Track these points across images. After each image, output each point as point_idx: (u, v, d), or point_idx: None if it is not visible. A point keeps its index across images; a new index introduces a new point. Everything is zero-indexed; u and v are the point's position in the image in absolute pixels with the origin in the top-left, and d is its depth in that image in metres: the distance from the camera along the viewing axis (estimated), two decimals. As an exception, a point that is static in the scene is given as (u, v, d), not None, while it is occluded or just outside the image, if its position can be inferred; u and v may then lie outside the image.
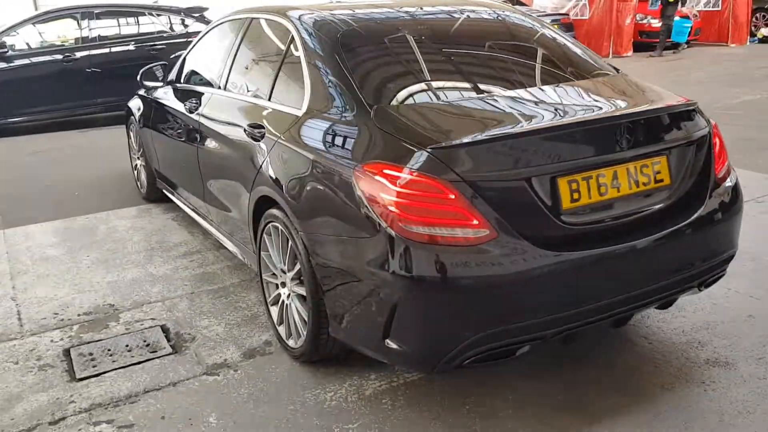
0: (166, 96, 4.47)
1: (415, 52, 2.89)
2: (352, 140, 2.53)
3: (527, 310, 2.25)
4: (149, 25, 9.32)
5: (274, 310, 3.10)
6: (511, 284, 2.21)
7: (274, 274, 3.06)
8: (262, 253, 3.09)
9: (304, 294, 2.75)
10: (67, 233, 4.82)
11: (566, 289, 2.29)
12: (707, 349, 2.88)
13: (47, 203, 5.61)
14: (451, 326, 2.23)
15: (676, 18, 14.84)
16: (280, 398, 2.70)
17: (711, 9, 16.54)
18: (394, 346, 2.33)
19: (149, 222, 4.98)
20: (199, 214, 4.20)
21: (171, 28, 9.45)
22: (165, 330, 3.32)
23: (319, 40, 2.93)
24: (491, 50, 3.06)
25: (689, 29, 15.23)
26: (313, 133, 2.72)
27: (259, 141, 3.01)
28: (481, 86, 2.78)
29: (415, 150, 2.26)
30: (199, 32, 9.36)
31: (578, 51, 3.18)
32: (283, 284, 2.98)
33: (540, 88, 2.76)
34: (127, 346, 3.18)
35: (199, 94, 3.91)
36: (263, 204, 3.02)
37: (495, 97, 2.68)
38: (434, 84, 2.77)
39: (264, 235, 3.02)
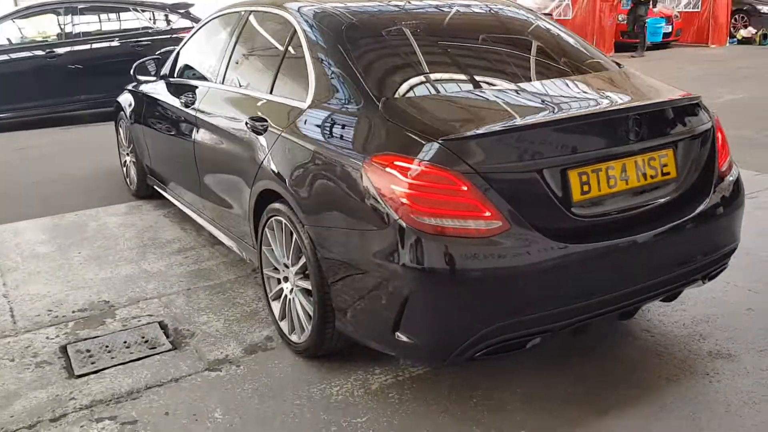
0: (159, 91, 4.41)
1: (421, 44, 2.87)
2: (361, 132, 2.51)
3: (539, 302, 2.25)
4: (133, 21, 9.21)
5: (276, 306, 3.07)
6: (524, 276, 2.21)
7: (275, 268, 3.04)
8: (263, 247, 3.06)
9: (309, 288, 2.73)
10: (57, 230, 4.74)
11: (577, 281, 2.29)
12: (709, 342, 2.90)
13: (34, 200, 5.51)
14: (463, 318, 2.23)
15: (650, 18, 14.91)
16: (285, 393, 2.68)
17: (691, 10, 16.73)
18: (404, 339, 2.31)
19: (140, 219, 4.92)
20: (193, 210, 4.15)
21: (156, 24, 9.33)
22: (163, 326, 3.27)
23: (323, 33, 2.91)
24: (497, 44, 3.06)
25: (662, 29, 15.32)
26: (319, 125, 2.70)
27: (261, 134, 2.98)
28: (488, 79, 2.79)
29: (427, 142, 2.25)
30: (184, 28, 9.39)
31: (582, 46, 3.19)
32: (286, 279, 2.95)
33: (547, 82, 2.76)
34: (125, 342, 3.13)
35: (196, 88, 3.86)
36: (265, 198, 3.00)
37: (502, 90, 2.68)
38: (441, 76, 2.77)
39: (266, 229, 2.99)
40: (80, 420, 2.56)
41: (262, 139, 2.98)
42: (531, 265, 2.20)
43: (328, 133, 2.65)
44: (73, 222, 4.90)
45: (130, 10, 9.19)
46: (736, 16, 16.84)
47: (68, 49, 8.74)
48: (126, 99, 5.15)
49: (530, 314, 2.24)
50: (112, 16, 9.24)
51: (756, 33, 15.72)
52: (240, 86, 3.47)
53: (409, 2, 3.23)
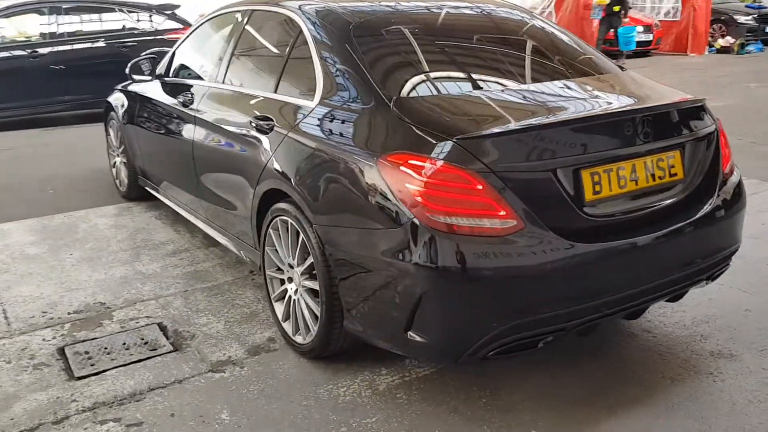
0: (154, 90, 4.37)
1: (429, 44, 2.89)
2: (372, 131, 2.51)
3: (552, 301, 2.26)
4: (119, 21, 9.11)
5: (279, 307, 3.04)
6: (538, 275, 2.21)
7: (279, 269, 3.01)
8: (266, 248, 3.04)
9: (315, 288, 2.72)
10: (46, 231, 4.67)
11: (590, 280, 2.31)
12: (710, 342, 2.93)
13: (21, 202, 5.42)
14: (478, 317, 2.23)
15: (622, 27, 14.94)
16: (291, 394, 2.66)
17: (671, 19, 16.98)
18: (417, 338, 2.31)
19: (131, 220, 4.86)
20: (188, 212, 4.10)
21: (142, 25, 9.24)
22: (162, 328, 3.23)
23: (330, 32, 2.90)
24: (505, 45, 3.08)
25: (635, 38, 15.41)
26: (328, 124, 2.69)
27: (266, 133, 2.96)
28: (498, 79, 2.80)
29: (441, 140, 2.25)
30: (170, 30, 9.32)
31: (587, 49, 3.22)
32: (290, 279, 2.93)
33: (556, 83, 2.78)
34: (124, 344, 3.09)
35: (194, 88, 3.83)
36: (269, 198, 2.98)
37: (513, 90, 2.69)
38: (451, 76, 2.78)
39: (270, 229, 2.97)
40: (84, 422, 2.51)
41: (267, 138, 2.96)
42: (545, 264, 2.21)
43: (338, 131, 2.64)
44: (62, 223, 4.83)
45: (115, 11, 9.10)
46: (714, 26, 17.14)
47: (52, 49, 8.62)
48: (117, 99, 5.09)
49: (544, 313, 2.25)
50: (99, 16, 9.13)
51: (734, 42, 15.99)
52: (242, 85, 3.44)
53: (414, 3, 3.24)
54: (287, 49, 3.14)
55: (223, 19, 3.90)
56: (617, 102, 2.65)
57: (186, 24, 9.58)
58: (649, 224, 2.44)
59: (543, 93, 2.67)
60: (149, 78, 4.36)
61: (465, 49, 3.01)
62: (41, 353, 3.02)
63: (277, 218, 2.90)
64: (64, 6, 8.75)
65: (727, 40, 16.29)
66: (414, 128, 2.37)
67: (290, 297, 2.93)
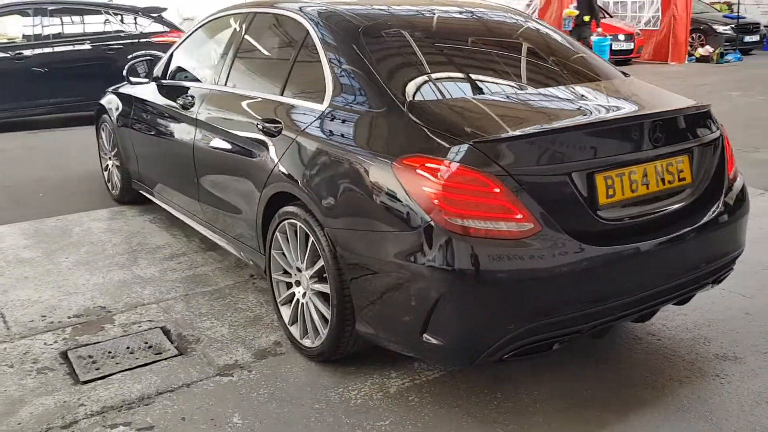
0: (151, 93, 4.33)
1: (439, 48, 2.91)
2: (386, 134, 2.51)
3: (568, 304, 2.28)
4: (106, 24, 9.02)
5: (285, 310, 3.03)
6: (555, 278, 2.23)
7: (285, 272, 3.00)
8: (273, 251, 3.02)
9: (325, 291, 2.71)
10: (39, 235, 4.60)
11: (604, 283, 2.33)
12: (714, 345, 2.97)
13: (11, 205, 5.35)
14: (495, 320, 2.24)
15: (595, 37, 15.01)
16: (302, 398, 2.65)
17: (651, 28, 17.22)
18: (432, 340, 2.31)
19: (125, 224, 4.81)
20: (187, 215, 4.07)
21: (128, 28, 9.17)
22: (166, 332, 3.20)
23: (338, 35, 2.91)
24: (514, 50, 3.11)
25: (608, 48, 15.52)
26: (339, 127, 2.69)
27: (274, 136, 2.95)
28: (509, 83, 2.82)
29: (458, 144, 2.26)
30: (157, 33, 9.26)
31: (591, 55, 3.26)
32: (298, 283, 2.92)
33: (565, 88, 2.81)
34: (128, 348, 3.06)
35: (193, 90, 3.81)
36: (276, 201, 2.97)
37: (524, 94, 2.72)
38: (463, 80, 2.80)
39: (277, 233, 2.96)
40: (93, 426, 2.48)
41: (275, 141, 2.95)
42: (561, 266, 2.23)
43: (350, 134, 2.64)
44: (55, 227, 4.76)
45: (101, 13, 9.02)
46: (693, 35, 17.42)
47: (38, 51, 8.52)
48: (111, 101, 5.03)
49: (560, 315, 2.27)
50: (85, 18, 9.03)
51: (713, 51, 16.25)
52: (246, 88, 3.43)
53: (420, 7, 3.26)
54: (293, 52, 3.14)
55: (224, 21, 3.89)
56: (627, 107, 2.68)
57: (173, 27, 9.54)
58: (660, 228, 2.48)
59: (554, 97, 2.70)
60: (146, 80, 4.32)
61: (475, 53, 3.03)
62: (44, 357, 2.98)
63: (285, 221, 2.89)
64: (50, 8, 8.65)
65: (707, 50, 16.56)
66: (429, 131, 2.38)
67: (298, 300, 2.92)
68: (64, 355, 3.00)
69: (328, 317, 2.71)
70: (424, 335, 2.32)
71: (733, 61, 16.28)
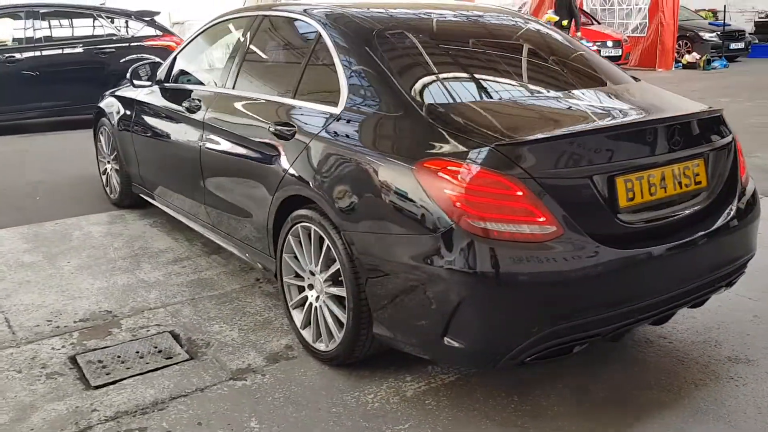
0: (154, 96, 4.30)
1: (454, 51, 2.91)
2: (405, 137, 2.51)
3: (589, 307, 2.28)
4: (98, 28, 8.95)
5: (297, 314, 3.01)
6: (577, 280, 2.23)
7: (297, 276, 2.98)
8: (284, 255, 3.00)
9: (340, 295, 2.70)
10: (39, 239, 4.55)
11: (625, 285, 2.34)
12: (725, 348, 2.99)
13: (7, 209, 5.28)
14: (518, 323, 2.24)
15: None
16: (318, 402, 2.63)
17: (638, 35, 17.38)
18: (453, 344, 2.30)
19: (125, 228, 4.76)
20: (191, 219, 4.03)
21: (121, 32, 9.10)
22: (175, 336, 3.17)
23: (352, 38, 2.90)
24: (526, 54, 3.11)
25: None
26: (355, 130, 2.68)
27: (287, 139, 2.94)
28: (524, 87, 2.83)
29: (480, 146, 2.26)
30: (149, 36, 9.19)
31: (602, 60, 3.28)
32: (311, 286, 2.90)
33: (581, 92, 2.82)
34: (137, 352, 3.02)
35: (200, 94, 3.78)
36: (288, 205, 2.95)
37: (542, 98, 2.73)
38: (479, 83, 2.79)
39: (289, 236, 2.94)
40: (108, 432, 2.45)
41: (288, 144, 2.94)
42: (584, 269, 2.23)
43: (366, 138, 2.63)
44: (54, 231, 4.71)
45: (94, 17, 8.94)
46: (680, 42, 17.61)
47: (29, 54, 8.44)
48: (111, 105, 4.99)
49: (582, 318, 2.27)
50: (77, 22, 8.96)
51: (700, 58, 16.45)
52: (256, 92, 3.40)
53: (432, 10, 3.26)
54: (305, 56, 3.13)
55: (230, 25, 3.87)
56: (643, 111, 2.69)
57: (165, 31, 9.50)
58: (678, 231, 2.49)
59: (570, 101, 2.71)
60: (149, 83, 4.29)
61: (489, 56, 3.03)
62: (52, 362, 2.93)
63: (299, 225, 2.87)
64: (42, 11, 8.58)
65: (694, 56, 16.75)
66: (450, 134, 2.37)
67: (311, 304, 2.90)
68: (72, 359, 2.96)
69: (343, 320, 2.69)
70: (445, 338, 2.31)
71: (719, 68, 16.48)
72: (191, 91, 3.93)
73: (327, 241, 2.69)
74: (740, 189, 2.74)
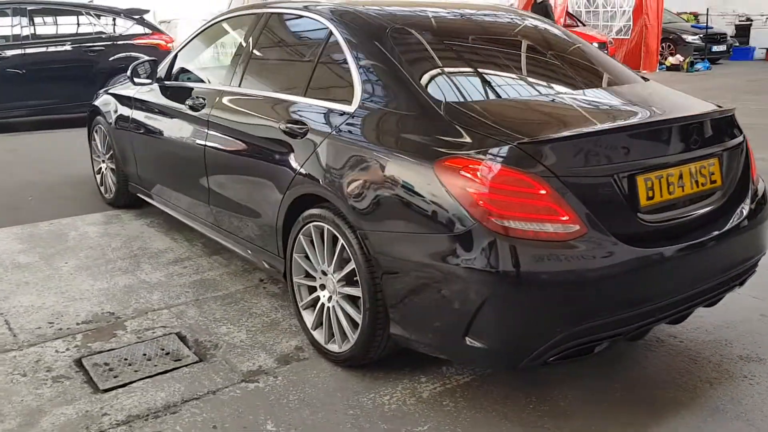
0: (153, 94, 4.23)
1: (468, 49, 2.89)
2: (424, 135, 2.47)
3: (613, 306, 2.27)
4: (86, 25, 8.82)
5: (308, 315, 2.97)
6: (601, 279, 2.22)
7: (308, 276, 2.95)
8: (295, 255, 2.96)
9: (354, 295, 2.67)
10: (34, 239, 4.46)
11: (648, 284, 2.33)
12: (736, 346, 3.00)
13: (0, 208, 5.17)
14: (542, 322, 2.22)
15: None
16: (334, 403, 2.59)
17: (622, 37, 17.52)
18: (475, 344, 2.28)
19: (122, 228, 4.69)
20: (193, 218, 3.97)
21: (110, 30, 8.98)
22: (182, 337, 3.12)
23: (365, 36, 2.87)
24: (540, 53, 3.10)
25: None
26: (371, 128, 2.66)
27: (300, 138, 2.90)
28: (541, 85, 2.82)
29: (502, 145, 2.24)
30: (139, 35, 9.08)
31: (612, 59, 3.28)
32: (323, 286, 2.87)
33: (595, 91, 2.82)
34: (144, 354, 2.96)
35: (204, 92, 3.72)
36: (299, 204, 2.91)
37: (558, 96, 2.72)
38: (495, 81, 2.78)
39: (300, 235, 2.90)
40: (121, 436, 2.40)
41: (299, 143, 2.90)
42: (608, 268, 2.22)
43: (383, 136, 2.60)
44: (49, 231, 4.63)
45: (82, 14, 8.82)
46: (663, 44, 17.77)
47: (17, 52, 8.30)
48: (106, 103, 4.91)
49: (606, 318, 2.25)
50: (65, 19, 8.83)
51: (684, 60, 16.61)
52: (265, 90, 3.35)
53: (443, 9, 3.24)
54: (315, 53, 3.09)
55: (233, 23, 3.82)
56: (659, 110, 2.69)
57: (154, 29, 9.40)
58: (695, 230, 2.49)
59: (586, 100, 2.71)
60: (149, 81, 4.22)
61: (503, 55, 3.02)
62: (58, 365, 2.87)
63: (311, 224, 2.83)
64: (29, 8, 8.43)
65: (677, 58, 16.92)
66: (471, 133, 2.35)
67: (323, 305, 2.86)
68: (78, 362, 2.90)
69: (358, 321, 2.66)
70: (467, 338, 2.29)
71: (702, 70, 16.66)
72: (195, 89, 3.86)
73: (341, 241, 2.66)
74: (753, 188, 2.74)
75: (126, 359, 2.93)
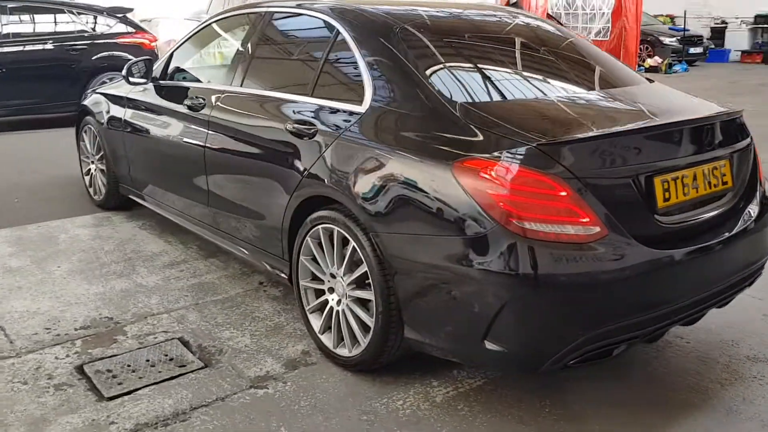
0: (148, 94, 4.15)
1: (479, 49, 2.87)
2: (440, 136, 2.43)
3: (634, 308, 2.26)
4: (69, 24, 8.65)
5: (315, 318, 2.93)
6: (623, 281, 2.21)
7: (315, 279, 2.90)
8: (301, 257, 2.92)
9: (366, 298, 2.63)
10: (23, 242, 4.35)
11: (667, 286, 2.33)
12: (743, 347, 3.01)
13: (-16, 211, 5.06)
14: (563, 326, 2.20)
15: None
16: (347, 409, 2.55)
17: (601, 39, 17.64)
18: (494, 347, 2.26)
19: (114, 231, 4.59)
20: (190, 220, 3.90)
21: (93, 29, 8.82)
22: (185, 343, 3.05)
23: (374, 36, 2.84)
24: (550, 54, 3.08)
25: None
26: (385, 129, 2.62)
27: (308, 139, 2.85)
28: (554, 86, 2.81)
29: (522, 146, 2.21)
30: (122, 33, 8.93)
31: (618, 61, 3.28)
32: (331, 290, 2.82)
33: (607, 92, 2.81)
34: (148, 360, 2.90)
35: (204, 91, 3.65)
36: (307, 205, 2.87)
37: (572, 97, 2.70)
38: (508, 81, 2.75)
39: (308, 238, 2.86)
40: (131, 445, 2.34)
41: (308, 144, 2.85)
42: (629, 269, 2.21)
43: (397, 137, 2.56)
44: (39, 234, 4.52)
45: (64, 12, 8.65)
46: (641, 47, 17.94)
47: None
48: (97, 102, 4.80)
49: (626, 320, 2.24)
50: (48, 18, 8.65)
51: (662, 62, 16.81)
52: (268, 89, 3.29)
53: (446, 9, 3.22)
54: (322, 53, 3.04)
55: (233, 21, 3.76)
56: (671, 111, 2.69)
57: (138, 28, 9.26)
58: (709, 231, 2.50)
59: (601, 101, 2.70)
60: (144, 81, 4.13)
61: (513, 55, 3.00)
62: (59, 373, 2.79)
63: (319, 226, 2.79)
64: (9, 5, 8.25)
65: (656, 60, 17.11)
66: (488, 134, 2.32)
67: (332, 308, 2.82)
68: (80, 369, 2.82)
69: (369, 324, 2.62)
70: (486, 342, 2.26)
71: (680, 72, 16.87)
72: (194, 88, 3.79)
73: (353, 243, 2.62)
74: (761, 189, 2.76)
75: (129, 366, 2.86)
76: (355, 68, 2.82)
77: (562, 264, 2.16)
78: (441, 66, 2.76)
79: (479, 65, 2.83)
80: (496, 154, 2.24)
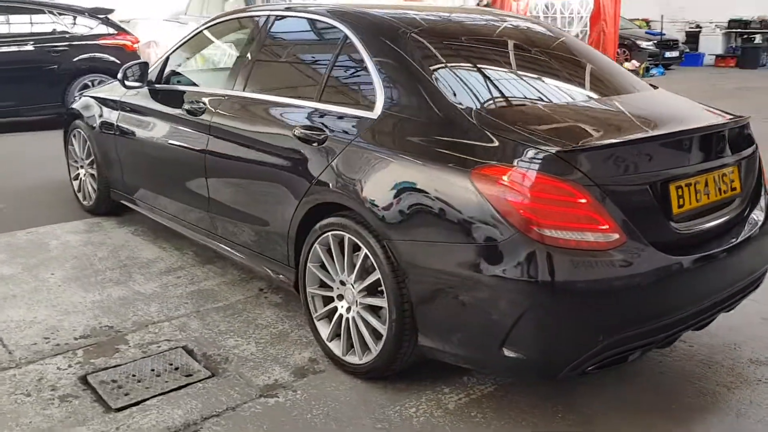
0: (142, 97, 4.08)
1: (489, 55, 2.87)
2: (455, 143, 2.42)
3: (651, 314, 2.28)
4: (49, 24, 8.49)
5: (323, 326, 2.90)
6: (641, 288, 2.23)
7: (323, 286, 2.88)
8: (309, 264, 2.89)
9: (378, 305, 2.61)
10: (13, 249, 4.26)
11: (682, 291, 2.35)
12: (745, 350, 3.05)
13: (-30, 217, 4.94)
14: (583, 332, 2.21)
15: None
16: (360, 417, 2.53)
17: (580, 42, 17.83)
18: (513, 354, 2.26)
19: (106, 236, 4.52)
20: (187, 226, 3.85)
21: (75, 30, 8.67)
22: (189, 351, 3.01)
23: (384, 41, 2.82)
24: (558, 61, 3.09)
25: None
26: (399, 135, 2.60)
27: (317, 145, 2.82)
28: (568, 92, 2.82)
29: (542, 153, 2.21)
30: (104, 35, 8.80)
31: (622, 68, 3.31)
32: (340, 297, 2.80)
33: (617, 99, 2.82)
34: (153, 370, 2.85)
35: (204, 95, 3.60)
36: (315, 212, 2.84)
37: (587, 104, 2.72)
38: (519, 88, 2.76)
39: (317, 245, 2.83)
40: (144, 458, 2.29)
41: (317, 150, 2.82)
42: (647, 276, 2.23)
43: (411, 143, 2.54)
44: (29, 240, 4.42)
45: (45, 13, 8.49)
46: (619, 50, 18.16)
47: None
48: (88, 106, 4.71)
49: (644, 326, 2.26)
50: (27, 18, 8.48)
51: (640, 65, 17.02)
52: (273, 94, 3.24)
53: (454, 14, 3.22)
54: (330, 57, 3.01)
55: (233, 25, 3.72)
56: (681, 119, 2.72)
57: (120, 29, 9.13)
58: (721, 236, 2.53)
59: (614, 108, 2.71)
60: (139, 84, 4.06)
61: (521, 60, 3.00)
62: (62, 384, 2.73)
63: (329, 233, 2.77)
64: (-12, 6, 8.10)
65: (633, 64, 17.29)
66: (505, 140, 2.32)
67: (341, 315, 2.80)
68: (83, 380, 2.77)
69: (381, 332, 2.60)
70: (504, 349, 2.26)
71: (657, 75, 17.09)
72: (193, 92, 3.73)
73: (365, 250, 2.60)
74: (766, 196, 2.80)
75: (134, 375, 2.81)
76: (366, 73, 2.80)
77: (582, 271, 2.17)
78: (453, 71, 2.75)
79: (491, 71, 2.83)
80: (515, 161, 2.24)
